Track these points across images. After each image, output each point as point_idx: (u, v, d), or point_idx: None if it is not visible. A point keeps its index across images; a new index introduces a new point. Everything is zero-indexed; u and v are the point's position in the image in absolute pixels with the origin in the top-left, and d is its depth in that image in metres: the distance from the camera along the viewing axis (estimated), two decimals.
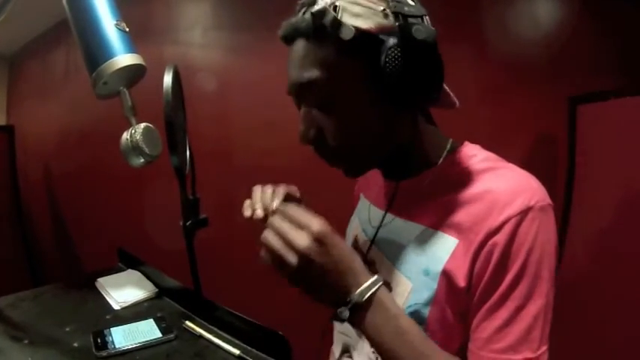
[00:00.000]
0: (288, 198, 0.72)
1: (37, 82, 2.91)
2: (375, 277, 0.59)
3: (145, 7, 2.25)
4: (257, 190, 0.73)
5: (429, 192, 0.70)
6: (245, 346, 0.79)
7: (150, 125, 0.79)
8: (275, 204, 0.67)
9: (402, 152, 0.70)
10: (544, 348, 0.59)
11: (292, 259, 0.54)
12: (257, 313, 0.85)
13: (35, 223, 2.97)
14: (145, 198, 2.19)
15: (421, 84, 0.59)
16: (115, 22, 0.83)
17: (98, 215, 2.59)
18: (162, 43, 2.23)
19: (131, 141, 0.77)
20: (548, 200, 0.61)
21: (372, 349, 0.71)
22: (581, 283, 1.64)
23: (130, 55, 0.82)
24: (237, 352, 0.78)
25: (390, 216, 0.75)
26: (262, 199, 0.70)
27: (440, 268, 0.63)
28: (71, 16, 0.83)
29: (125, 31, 0.84)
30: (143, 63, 0.83)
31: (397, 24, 0.57)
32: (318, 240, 0.55)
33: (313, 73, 0.61)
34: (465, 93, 1.94)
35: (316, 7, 0.59)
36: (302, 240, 0.54)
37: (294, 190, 0.77)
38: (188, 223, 0.93)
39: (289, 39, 0.65)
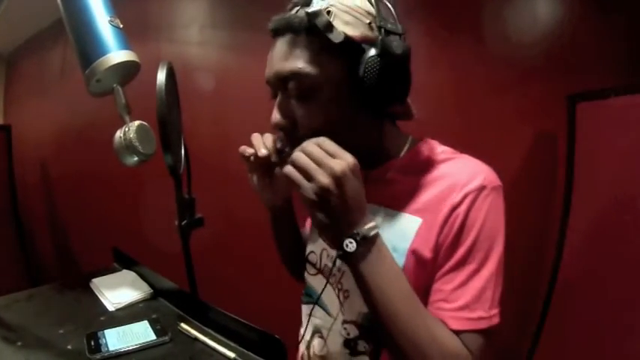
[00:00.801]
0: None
1: (34, 81, 2.90)
2: (376, 223, 0.65)
3: (142, 4, 2.24)
4: (257, 135, 0.79)
5: (393, 180, 0.78)
6: (241, 349, 0.78)
7: (144, 123, 0.78)
8: (280, 144, 0.74)
9: (366, 149, 0.75)
10: (495, 311, 0.68)
11: (324, 179, 0.59)
12: (253, 315, 0.84)
13: (32, 222, 2.96)
14: (142, 197, 2.18)
15: (391, 93, 0.68)
16: (109, 19, 0.81)
17: (95, 214, 2.58)
18: (159, 40, 2.23)
19: (124, 139, 0.75)
20: (499, 182, 0.73)
21: (344, 327, 0.78)
22: (580, 281, 1.63)
23: (123, 51, 0.80)
24: (232, 355, 0.77)
25: None
26: (265, 141, 0.76)
27: (407, 245, 0.71)
28: (64, 11, 0.82)
29: (119, 28, 0.83)
30: (137, 60, 0.81)
31: (380, 37, 0.65)
32: (352, 170, 0.60)
33: (299, 64, 0.67)
34: (464, 91, 1.95)
35: (312, 8, 0.65)
36: (339, 165, 0.59)
37: None
38: (183, 223, 0.92)
39: (279, 32, 0.70)
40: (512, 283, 1.94)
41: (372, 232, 0.63)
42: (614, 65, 1.78)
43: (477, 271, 0.67)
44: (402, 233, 0.72)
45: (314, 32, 0.64)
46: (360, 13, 0.67)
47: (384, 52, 0.64)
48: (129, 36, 0.82)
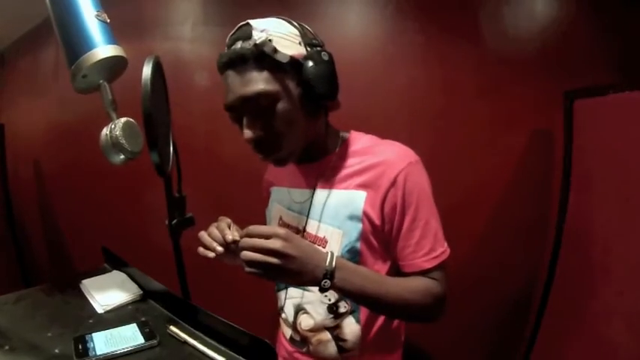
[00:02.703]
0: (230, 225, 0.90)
1: (28, 79, 2.87)
2: (326, 249, 0.81)
3: (134, 2, 2.22)
4: (204, 235, 0.86)
5: (336, 166, 0.96)
6: (230, 352, 0.77)
7: (131, 120, 0.76)
8: (229, 237, 0.81)
9: (315, 142, 0.95)
10: (446, 243, 0.92)
11: (274, 260, 0.71)
12: (243, 316, 0.83)
13: (25, 220, 2.94)
14: (135, 196, 2.17)
15: (329, 91, 0.85)
16: (96, 13, 0.79)
17: (89, 213, 2.56)
18: (152, 37, 2.21)
19: (111, 137, 0.73)
20: (417, 157, 0.92)
21: (325, 294, 0.92)
22: (578, 279, 1.62)
23: (110, 46, 0.79)
24: (221, 358, 0.75)
25: (310, 190, 0.99)
26: (214, 238, 0.84)
27: (360, 211, 0.90)
28: (51, 5, 0.80)
29: (106, 22, 0.81)
30: (124, 55, 0.79)
31: (310, 51, 0.84)
32: (287, 239, 0.73)
33: (260, 85, 0.81)
34: (460, 88, 1.94)
35: (256, 40, 0.80)
36: (276, 244, 0.72)
37: (226, 221, 0.91)
38: (173, 223, 0.90)
39: (231, 65, 0.82)
40: (509, 280, 1.92)
41: (333, 263, 0.77)
42: (611, 62, 1.77)
43: (427, 222, 0.89)
44: (353, 204, 0.91)
45: (262, 58, 0.80)
46: (291, 36, 0.84)
47: (317, 61, 0.82)
48: (122, 32, 0.80)
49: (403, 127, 1.86)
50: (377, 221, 0.89)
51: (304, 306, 1.00)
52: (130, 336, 0.82)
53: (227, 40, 0.86)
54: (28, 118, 2.88)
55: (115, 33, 0.82)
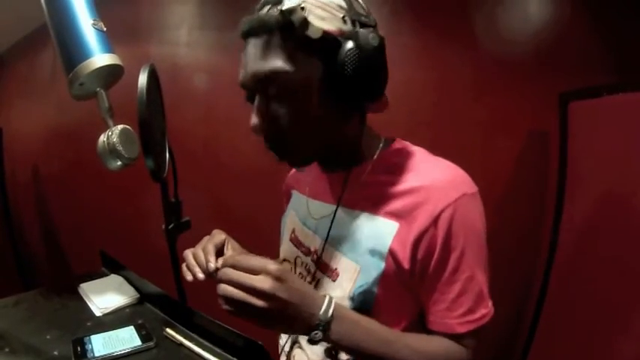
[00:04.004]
0: (219, 249, 0.78)
1: (25, 83, 2.88)
2: (327, 295, 0.65)
3: (131, 6, 2.23)
4: (189, 255, 0.76)
5: (368, 182, 0.77)
6: (225, 354, 0.78)
7: (127, 127, 0.78)
8: (211, 265, 0.70)
9: (343, 147, 0.78)
10: (490, 303, 0.73)
11: (259, 302, 0.58)
12: (238, 320, 0.83)
13: (23, 225, 2.94)
14: (133, 200, 2.18)
15: (371, 86, 0.67)
16: (93, 22, 0.81)
17: (86, 217, 2.57)
18: (148, 42, 2.22)
19: (108, 143, 0.75)
20: (475, 188, 0.72)
21: None
22: (573, 281, 1.63)
23: (106, 55, 0.80)
24: None
25: (331, 206, 0.80)
26: (197, 261, 0.73)
27: (386, 248, 0.71)
28: (48, 14, 0.82)
29: (102, 31, 0.82)
30: (120, 63, 0.81)
31: (355, 30, 0.65)
32: (279, 278, 0.59)
33: (277, 64, 0.65)
34: (456, 90, 1.95)
35: (285, 6, 0.63)
36: (264, 283, 0.58)
37: (219, 238, 0.81)
38: (170, 227, 0.92)
39: (252, 33, 0.68)
40: (505, 282, 1.93)
41: (330, 313, 0.63)
42: (606, 63, 1.78)
43: (471, 278, 0.69)
44: (379, 236, 0.72)
45: (289, 30, 0.64)
46: (333, 7, 0.66)
47: (361, 44, 0.64)
48: (119, 38, 0.82)
49: (398, 129, 1.86)
50: (405, 264, 0.70)
51: (300, 340, 0.85)
52: (127, 338, 0.83)
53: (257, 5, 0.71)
54: (26, 122, 2.88)
55: (111, 37, 0.83)
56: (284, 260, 0.92)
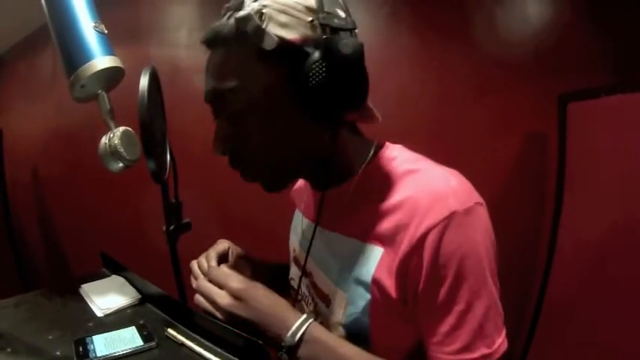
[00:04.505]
0: (222, 256, 0.80)
1: (25, 84, 2.88)
2: (304, 315, 0.64)
3: (131, 8, 2.24)
4: (194, 266, 0.80)
5: (351, 202, 0.70)
6: (226, 354, 0.78)
7: (129, 129, 0.78)
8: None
9: (324, 164, 0.68)
10: (499, 340, 0.61)
11: (219, 315, 0.63)
12: None
13: (23, 226, 2.94)
14: (133, 202, 2.18)
15: (343, 99, 0.59)
16: (94, 24, 0.81)
17: (87, 218, 2.57)
18: (149, 44, 2.23)
19: (109, 145, 0.75)
20: (472, 200, 0.62)
21: None
22: (572, 283, 1.64)
23: (108, 57, 0.80)
24: None
25: (319, 228, 0.72)
26: (201, 270, 0.78)
27: (370, 277, 0.65)
28: (49, 17, 0.82)
29: (104, 33, 0.83)
30: (121, 66, 0.81)
31: (324, 37, 0.57)
32: (236, 297, 0.62)
33: (230, 82, 0.62)
34: (455, 91, 1.96)
35: (241, 13, 0.59)
36: (222, 298, 0.63)
37: (222, 247, 0.84)
38: (171, 228, 0.92)
39: (209, 44, 0.66)
40: (505, 282, 1.94)
41: (297, 337, 0.61)
42: (604, 64, 1.79)
43: (467, 311, 0.59)
44: (363, 264, 0.66)
45: (245, 40, 0.59)
46: (298, 10, 0.59)
47: (330, 53, 0.56)
48: (119, 39, 0.82)
49: (397, 131, 1.87)
50: (393, 293, 0.63)
51: None
52: (129, 338, 0.83)
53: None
54: (26, 123, 2.89)
55: (111, 39, 0.83)
56: (291, 279, 0.91)
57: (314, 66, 0.56)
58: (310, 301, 0.82)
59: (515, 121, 1.90)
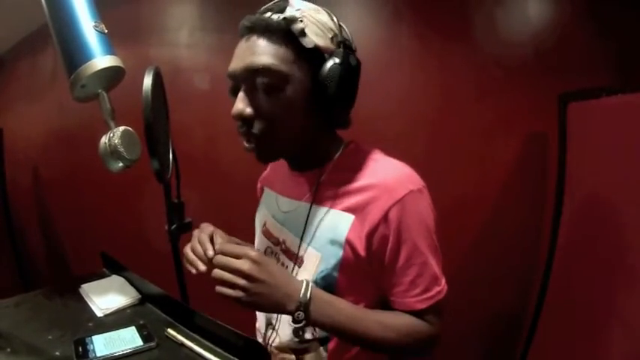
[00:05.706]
0: (210, 239, 0.88)
1: (26, 84, 2.88)
2: (305, 280, 0.77)
3: (131, 8, 2.24)
4: (188, 251, 0.86)
5: (327, 181, 0.88)
6: (226, 354, 0.78)
7: (129, 129, 0.78)
8: (210, 252, 0.82)
9: (313, 149, 0.88)
10: (443, 280, 0.84)
11: (241, 281, 0.70)
12: (239, 321, 0.84)
13: (23, 226, 2.94)
14: (134, 201, 2.18)
15: (341, 98, 0.78)
16: (94, 24, 0.81)
17: (87, 218, 2.57)
18: (149, 44, 2.22)
19: (109, 145, 0.75)
20: (421, 183, 0.82)
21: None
22: (573, 281, 1.63)
23: (108, 57, 0.80)
24: None
25: (296, 202, 0.93)
26: (196, 254, 0.84)
27: (343, 238, 0.81)
28: (49, 16, 0.82)
29: (104, 33, 0.83)
30: (122, 65, 0.81)
31: (340, 50, 0.77)
32: (256, 262, 0.71)
33: (273, 60, 0.75)
34: (455, 91, 1.96)
35: (288, 14, 0.75)
36: (244, 265, 0.70)
37: (209, 230, 0.91)
38: (172, 228, 0.92)
39: (254, 30, 0.77)
40: (506, 281, 1.93)
41: (308, 294, 0.74)
42: (606, 64, 1.78)
43: (425, 263, 0.80)
44: (337, 228, 0.82)
45: (288, 36, 0.75)
46: (325, 28, 0.77)
47: (344, 62, 0.75)
48: (119, 39, 0.82)
49: (398, 131, 1.88)
50: (362, 253, 0.80)
51: (272, 320, 0.96)
52: (129, 338, 0.83)
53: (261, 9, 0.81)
54: (26, 123, 2.89)
55: (112, 39, 0.83)
56: (257, 250, 0.97)
57: (333, 68, 0.75)
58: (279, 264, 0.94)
59: (516, 121, 1.90)
